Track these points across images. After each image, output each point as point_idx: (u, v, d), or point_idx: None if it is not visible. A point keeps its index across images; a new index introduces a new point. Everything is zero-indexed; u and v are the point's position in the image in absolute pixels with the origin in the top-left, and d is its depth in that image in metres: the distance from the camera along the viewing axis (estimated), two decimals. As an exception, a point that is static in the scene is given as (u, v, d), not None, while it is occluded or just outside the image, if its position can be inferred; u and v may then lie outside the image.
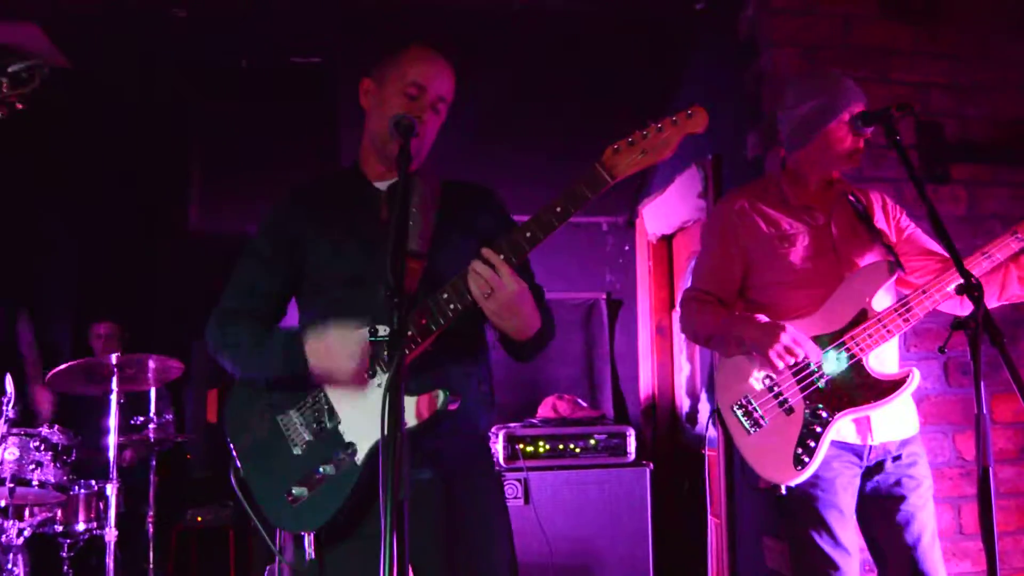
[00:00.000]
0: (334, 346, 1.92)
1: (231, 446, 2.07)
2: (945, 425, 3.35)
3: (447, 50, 2.10)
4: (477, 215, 2.17)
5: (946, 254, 2.59)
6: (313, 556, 1.98)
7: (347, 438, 1.96)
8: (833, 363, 2.43)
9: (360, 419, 1.95)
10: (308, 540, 1.98)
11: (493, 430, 4.20)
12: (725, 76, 3.92)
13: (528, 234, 1.86)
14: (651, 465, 4.19)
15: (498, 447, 4.09)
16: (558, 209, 1.85)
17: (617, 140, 1.85)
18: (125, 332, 5.17)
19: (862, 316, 2.45)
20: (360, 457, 1.93)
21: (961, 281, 2.06)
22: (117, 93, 5.07)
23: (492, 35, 4.28)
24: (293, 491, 1.96)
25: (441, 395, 1.89)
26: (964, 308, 2.60)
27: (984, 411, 1.89)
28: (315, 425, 1.99)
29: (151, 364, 4.31)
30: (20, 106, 1.97)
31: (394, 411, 1.51)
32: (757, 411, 2.48)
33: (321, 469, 1.95)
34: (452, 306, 1.89)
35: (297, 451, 1.99)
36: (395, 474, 1.47)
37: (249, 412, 2.07)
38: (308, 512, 1.96)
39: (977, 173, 3.51)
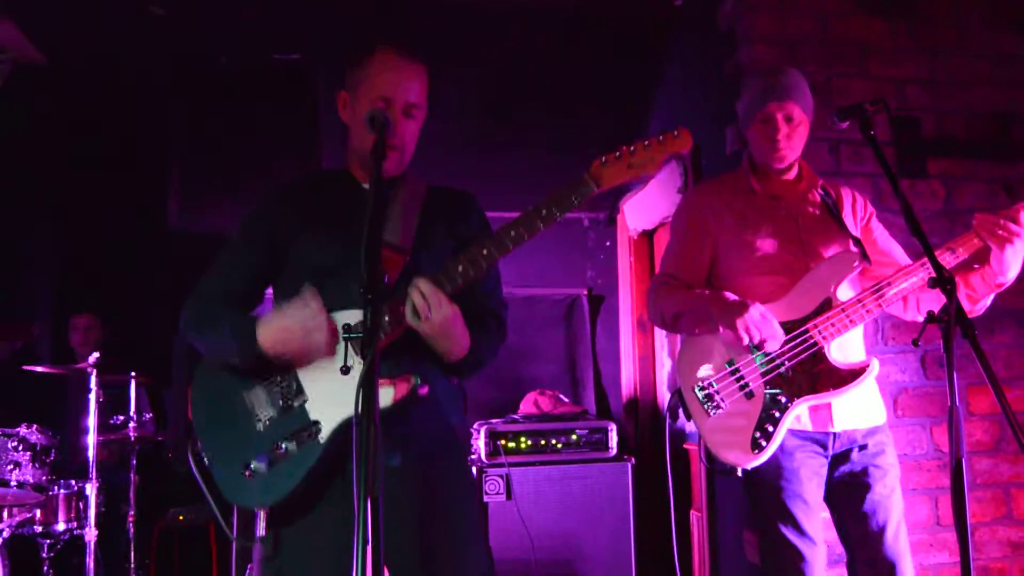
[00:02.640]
0: (290, 327, 1.93)
1: (192, 420, 2.07)
2: (923, 417, 3.38)
3: (413, 52, 2.10)
4: (459, 220, 2.20)
5: (902, 259, 2.64)
6: (264, 533, 1.98)
7: (312, 416, 1.97)
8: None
9: (328, 398, 1.96)
10: (260, 516, 1.98)
11: (475, 426, 4.20)
12: (704, 71, 3.93)
13: (512, 233, 1.92)
14: (633, 460, 4.20)
15: (480, 443, 4.10)
16: (543, 212, 1.91)
17: (605, 152, 1.93)
18: (104, 326, 5.13)
19: (826, 305, 2.48)
20: (324, 435, 1.94)
21: (935, 275, 2.08)
22: (96, 90, 5.03)
23: (472, 31, 4.28)
24: (252, 465, 1.96)
25: (413, 379, 1.92)
26: (908, 312, 2.64)
27: (957, 403, 1.90)
28: (281, 402, 2.00)
29: (131, 376, 4.32)
30: (-14, 98, 1.96)
31: (368, 407, 1.51)
32: (718, 394, 2.51)
33: (283, 445, 1.95)
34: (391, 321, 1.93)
35: (260, 427, 2.00)
36: (370, 465, 1.47)
37: (215, 388, 2.07)
38: (264, 488, 1.96)
39: (954, 168, 3.54)
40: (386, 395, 1.91)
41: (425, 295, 1.88)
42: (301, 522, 1.99)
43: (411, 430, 2.01)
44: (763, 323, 2.41)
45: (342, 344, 1.92)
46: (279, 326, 1.94)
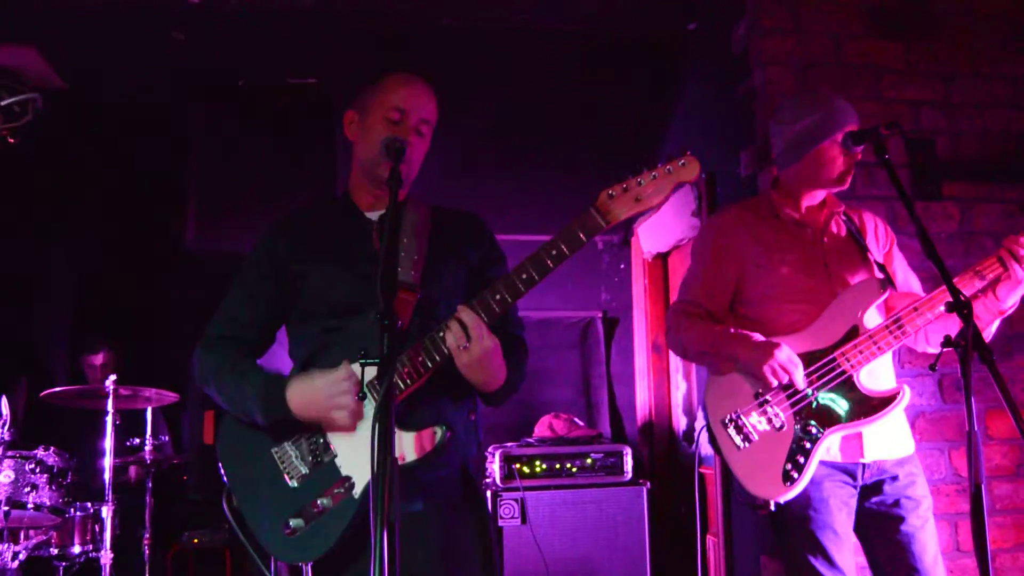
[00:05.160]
0: (319, 395, 1.93)
1: (224, 476, 2.06)
2: (941, 442, 3.35)
3: (426, 74, 2.12)
4: (467, 247, 2.19)
5: (919, 292, 2.61)
6: None
7: (344, 472, 1.96)
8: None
9: (357, 453, 1.95)
10: (306, 570, 1.99)
11: (490, 450, 4.19)
12: (718, 95, 3.94)
13: (524, 276, 1.90)
14: (648, 484, 4.17)
15: (495, 467, 4.08)
16: (553, 251, 1.89)
17: (612, 185, 1.89)
18: (119, 358, 5.14)
19: (853, 332, 2.45)
20: (358, 490, 1.94)
21: (951, 299, 2.07)
22: (114, 113, 5.09)
23: (487, 55, 4.31)
24: (290, 523, 1.95)
25: (439, 431, 1.92)
26: (919, 344, 2.62)
27: (975, 428, 1.89)
28: (311, 458, 1.99)
29: (148, 395, 4.33)
30: (12, 140, 1.96)
31: (384, 437, 1.52)
32: (747, 426, 2.48)
33: (319, 502, 1.94)
34: (430, 358, 1.92)
35: (293, 484, 1.99)
36: (385, 501, 1.47)
37: (242, 443, 2.06)
38: (306, 544, 1.95)
39: (969, 190, 3.53)
40: (414, 449, 1.91)
41: (468, 326, 1.87)
42: (341, 571, 1.97)
43: (433, 476, 2.01)
44: (790, 365, 2.40)
45: (359, 369, 1.90)
46: (310, 397, 1.94)
